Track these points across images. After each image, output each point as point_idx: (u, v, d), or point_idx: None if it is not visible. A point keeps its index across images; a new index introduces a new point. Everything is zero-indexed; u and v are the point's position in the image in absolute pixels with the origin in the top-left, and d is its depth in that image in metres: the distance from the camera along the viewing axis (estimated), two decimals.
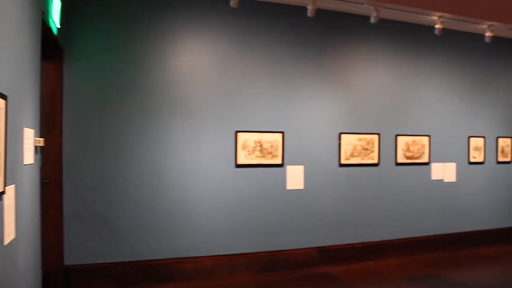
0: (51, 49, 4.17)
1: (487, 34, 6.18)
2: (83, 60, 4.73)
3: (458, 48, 6.68)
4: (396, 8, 5.61)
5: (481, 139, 6.89)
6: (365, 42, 6.08)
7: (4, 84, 2.20)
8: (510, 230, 7.12)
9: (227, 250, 5.26)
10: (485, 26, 6.19)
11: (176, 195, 5.05)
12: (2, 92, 2.13)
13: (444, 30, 5.90)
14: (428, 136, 6.43)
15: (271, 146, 5.42)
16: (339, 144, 5.82)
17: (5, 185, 2.19)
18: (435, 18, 5.87)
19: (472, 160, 6.80)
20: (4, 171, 2.17)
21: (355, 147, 5.91)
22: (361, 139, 5.95)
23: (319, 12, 5.48)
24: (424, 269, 5.73)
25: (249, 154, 5.32)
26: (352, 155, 5.89)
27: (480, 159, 6.88)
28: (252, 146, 5.33)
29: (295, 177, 5.56)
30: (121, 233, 4.84)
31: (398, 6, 5.52)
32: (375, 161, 6.05)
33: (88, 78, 4.75)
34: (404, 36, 6.28)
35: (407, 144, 6.27)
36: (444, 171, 6.56)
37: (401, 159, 6.23)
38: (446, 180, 6.58)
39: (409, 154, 6.28)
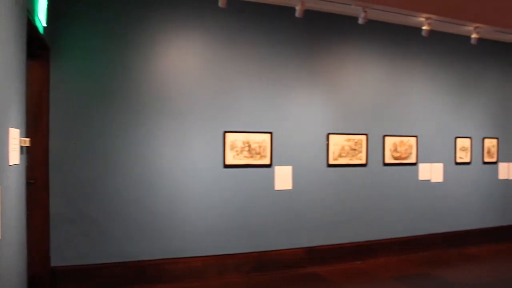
0: (37, 48, 4.13)
1: (473, 36, 6.24)
2: (70, 59, 4.69)
3: (445, 49, 6.75)
4: (383, 9, 5.65)
5: (468, 140, 6.96)
6: (353, 43, 6.11)
7: None
8: (496, 229, 7.21)
9: (217, 250, 5.25)
10: (471, 28, 6.25)
11: (165, 195, 5.02)
12: None
13: (431, 32, 5.96)
14: (415, 136, 6.48)
15: (260, 146, 5.42)
16: (327, 145, 5.85)
17: None
18: (423, 19, 5.92)
19: (458, 160, 6.87)
20: None
21: (343, 148, 5.93)
22: (349, 140, 5.98)
23: (308, 13, 5.50)
24: (413, 268, 5.77)
25: (238, 155, 5.31)
26: (340, 156, 5.92)
27: (467, 160, 6.95)
28: (240, 147, 5.33)
29: (283, 178, 5.57)
30: (109, 234, 4.80)
31: (386, 7, 5.56)
32: (363, 161, 6.08)
33: (75, 78, 4.71)
34: (392, 37, 6.33)
35: (394, 145, 6.31)
36: (431, 172, 6.62)
37: (388, 159, 6.27)
38: (433, 180, 6.64)
39: (397, 155, 6.33)
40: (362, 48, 6.17)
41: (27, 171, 3.75)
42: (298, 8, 5.24)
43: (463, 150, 6.91)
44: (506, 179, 7.35)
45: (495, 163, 7.25)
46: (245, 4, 5.41)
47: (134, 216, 4.89)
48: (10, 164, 2.76)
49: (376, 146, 6.20)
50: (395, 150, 6.32)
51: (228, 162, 5.28)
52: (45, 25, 4.12)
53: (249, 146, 5.37)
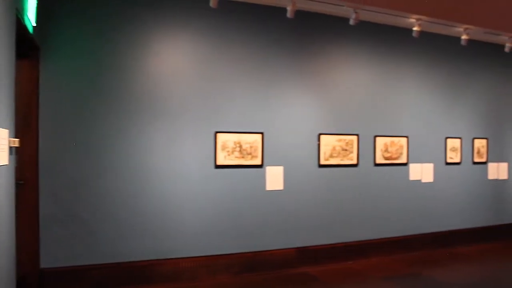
0: (26, 47, 4.10)
1: (463, 37, 6.30)
2: (60, 59, 4.65)
3: (436, 50, 6.80)
4: (374, 10, 5.68)
5: (458, 140, 7.01)
6: (345, 44, 6.13)
7: None
8: (486, 229, 7.27)
9: (208, 251, 5.24)
10: (461, 29, 6.30)
11: (156, 196, 5.01)
12: None
13: (422, 33, 6.01)
14: (406, 137, 6.52)
15: (251, 146, 5.42)
16: (319, 145, 5.86)
17: None
18: (413, 20, 5.96)
19: (449, 160, 6.92)
20: None
21: (334, 148, 5.95)
22: (340, 140, 6.00)
23: (299, 13, 5.51)
24: (404, 268, 5.80)
25: (229, 155, 5.31)
26: (331, 156, 5.93)
27: (457, 160, 7.01)
28: (231, 147, 5.32)
29: (274, 178, 5.57)
30: (100, 235, 4.78)
31: (377, 8, 5.59)
32: (354, 161, 6.10)
33: (65, 78, 4.67)
34: (383, 38, 6.36)
35: (385, 145, 6.34)
36: (422, 172, 6.66)
37: (379, 159, 6.30)
38: (424, 180, 6.68)
39: (388, 155, 6.36)
40: (353, 49, 6.19)
41: (17, 172, 3.72)
42: (289, 8, 5.25)
43: (453, 150, 6.96)
44: (496, 179, 7.42)
45: (484, 163, 7.31)
46: (236, 4, 5.41)
47: (125, 216, 4.87)
48: None
49: (367, 146, 6.22)
50: (386, 150, 6.35)
51: (219, 162, 5.27)
52: (35, 25, 4.09)
53: (241, 146, 5.37)
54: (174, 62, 5.16)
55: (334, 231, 5.99)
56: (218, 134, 5.26)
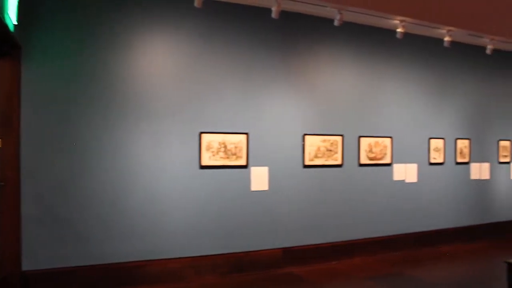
0: (7, 46, 4.04)
1: (446, 38, 6.38)
2: (42, 58, 4.59)
3: (420, 52, 6.87)
4: (359, 11, 5.72)
5: (441, 141, 7.09)
6: (329, 45, 6.16)
7: None
8: (469, 228, 7.37)
9: (193, 251, 5.22)
10: (444, 31, 6.38)
11: (141, 196, 4.97)
12: None
13: (406, 34, 6.07)
14: (390, 137, 6.57)
15: (236, 147, 5.41)
16: (303, 145, 5.88)
17: None
18: (397, 22, 6.02)
19: (432, 161, 7.00)
20: None
21: (319, 148, 5.97)
22: (324, 141, 6.02)
23: (284, 14, 5.53)
24: (388, 268, 5.84)
25: (213, 155, 5.30)
26: (316, 156, 5.95)
27: (440, 160, 7.08)
28: (216, 147, 5.31)
29: (259, 178, 5.57)
30: (83, 236, 4.72)
31: (361, 9, 5.63)
32: (339, 162, 6.13)
33: (47, 77, 4.61)
34: (368, 39, 6.41)
35: (370, 145, 6.39)
36: (405, 172, 6.72)
37: (364, 160, 6.34)
38: (407, 180, 6.74)
39: (372, 155, 6.40)
40: (338, 50, 6.22)
41: None
42: (274, 9, 5.26)
43: (437, 150, 7.04)
44: (478, 179, 7.52)
45: (467, 163, 7.41)
46: (221, 4, 5.40)
47: (109, 217, 4.83)
48: None
49: (351, 147, 6.26)
50: (370, 150, 6.39)
51: (204, 163, 5.26)
52: (16, 23, 4.03)
53: (225, 147, 5.36)
54: (158, 63, 5.13)
55: (319, 231, 6.01)
56: (203, 135, 5.25)
